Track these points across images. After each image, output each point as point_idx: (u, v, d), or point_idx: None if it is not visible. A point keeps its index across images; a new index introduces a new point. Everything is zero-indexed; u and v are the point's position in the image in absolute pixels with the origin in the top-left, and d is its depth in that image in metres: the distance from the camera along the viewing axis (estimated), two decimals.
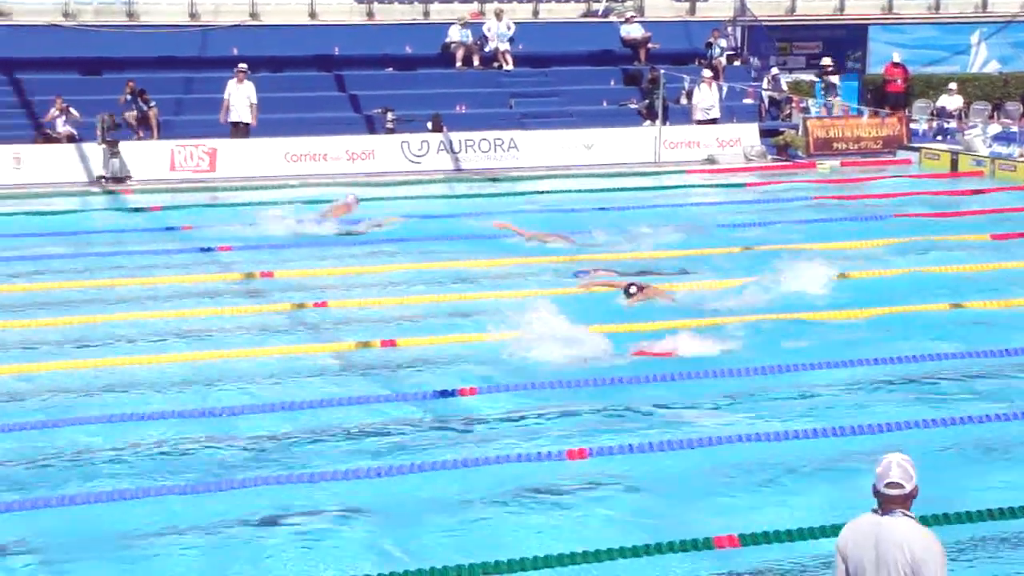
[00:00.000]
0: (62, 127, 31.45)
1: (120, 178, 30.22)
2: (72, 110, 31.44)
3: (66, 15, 34.40)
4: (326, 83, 35.38)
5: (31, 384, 14.30)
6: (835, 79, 38.20)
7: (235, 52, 34.82)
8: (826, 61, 38.21)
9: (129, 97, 32.22)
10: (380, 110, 34.05)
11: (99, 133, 30.46)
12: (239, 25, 35.42)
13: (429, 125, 33.64)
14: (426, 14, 37.69)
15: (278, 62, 35.10)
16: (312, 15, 36.49)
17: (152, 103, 32.37)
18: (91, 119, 31.59)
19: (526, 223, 23.18)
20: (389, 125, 33.69)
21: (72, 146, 31.04)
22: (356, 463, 11.70)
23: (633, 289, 17.56)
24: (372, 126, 34.09)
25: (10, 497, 10.91)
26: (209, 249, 22.29)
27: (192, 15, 35.36)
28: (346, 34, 36.13)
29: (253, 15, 35.87)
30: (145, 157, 31.18)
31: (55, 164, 30.51)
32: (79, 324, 17.07)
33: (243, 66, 32.35)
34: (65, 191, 29.35)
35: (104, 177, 30.15)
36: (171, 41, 34.37)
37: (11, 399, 13.77)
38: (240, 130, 32.30)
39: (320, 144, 32.31)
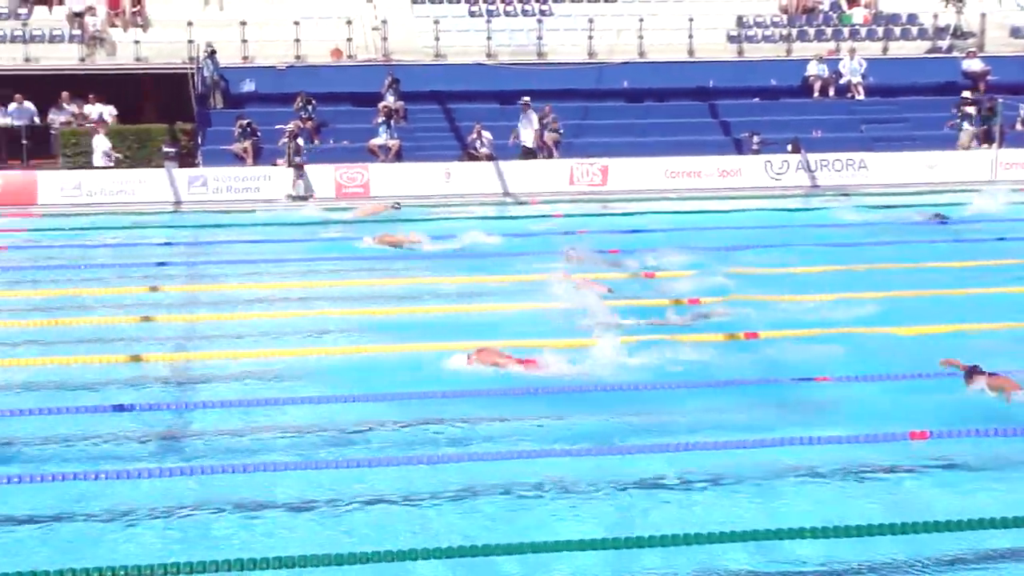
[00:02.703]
0: (481, 148, 32.76)
1: (303, 197, 30.69)
2: (484, 133, 32.69)
3: (488, 55, 35.69)
4: (701, 111, 35.60)
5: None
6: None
7: (625, 85, 35.50)
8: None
9: (545, 121, 33.26)
10: (747, 134, 34.08)
11: (287, 156, 31.13)
12: (629, 62, 36.01)
13: (789, 147, 33.47)
14: (788, 51, 37.41)
15: (661, 93, 35.53)
16: (690, 52, 36.74)
17: (560, 129, 33.37)
18: (502, 141, 32.88)
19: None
20: (755, 147, 33.70)
21: (491, 164, 32.29)
22: (723, 436, 11.76)
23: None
24: (739, 148, 34.15)
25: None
26: (603, 252, 22.46)
27: (590, 54, 36.14)
28: (719, 69, 36.25)
29: (641, 53, 36.39)
30: (547, 173, 32.17)
31: (477, 179, 31.82)
32: (480, 312, 17.30)
33: (526, 99, 32.95)
34: (486, 201, 30.49)
35: (291, 196, 30.71)
36: (572, 75, 35.21)
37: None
38: (527, 153, 32.84)
39: (695, 163, 32.62)
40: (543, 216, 27.80)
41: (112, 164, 31.53)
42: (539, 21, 36.43)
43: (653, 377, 13.73)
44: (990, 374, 12.87)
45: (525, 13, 37.06)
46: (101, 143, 31.73)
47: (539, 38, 35.99)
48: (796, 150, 33.30)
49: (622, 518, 9.96)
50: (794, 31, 37.65)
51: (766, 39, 37.56)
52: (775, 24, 37.94)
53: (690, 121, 34.87)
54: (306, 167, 31.49)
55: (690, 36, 36.51)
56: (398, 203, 28.72)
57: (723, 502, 10.33)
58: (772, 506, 10.18)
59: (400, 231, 23.93)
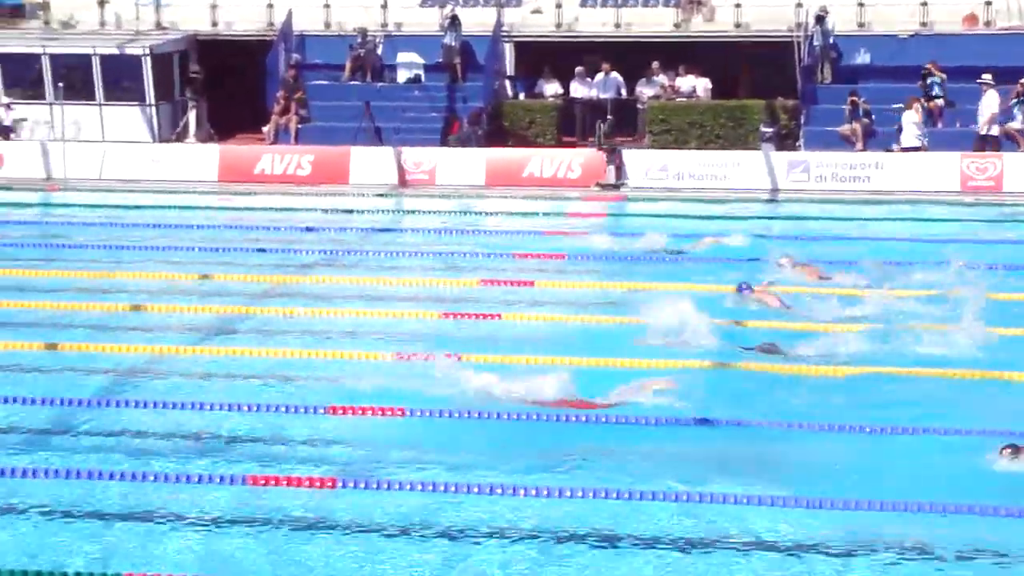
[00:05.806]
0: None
1: (615, 186, 28.35)
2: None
3: None
4: None
5: None
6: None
7: None
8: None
9: None
10: None
11: (596, 142, 29.25)
12: None
13: None
14: None
15: None
16: None
17: None
18: None
19: None
20: None
21: None
22: None
23: None
24: None
25: None
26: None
27: None
28: None
29: None
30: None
31: None
32: None
33: (987, 76, 28.50)
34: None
35: (600, 184, 28.23)
36: None
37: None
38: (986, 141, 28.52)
39: None
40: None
41: (921, 144, 28.44)
42: None
43: None
44: None
45: None
46: (909, 118, 28.54)
47: None
48: None
49: None
50: None
51: None
52: None
53: None
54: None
55: None
56: None
57: None
58: None
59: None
